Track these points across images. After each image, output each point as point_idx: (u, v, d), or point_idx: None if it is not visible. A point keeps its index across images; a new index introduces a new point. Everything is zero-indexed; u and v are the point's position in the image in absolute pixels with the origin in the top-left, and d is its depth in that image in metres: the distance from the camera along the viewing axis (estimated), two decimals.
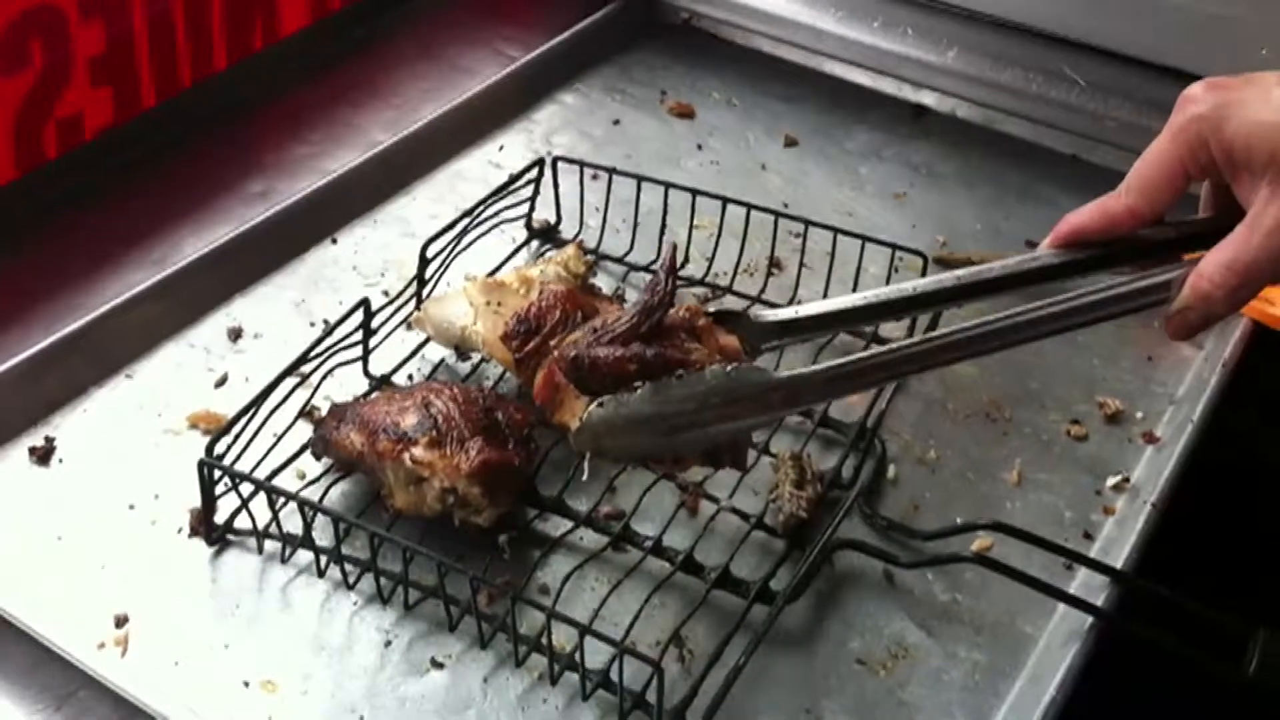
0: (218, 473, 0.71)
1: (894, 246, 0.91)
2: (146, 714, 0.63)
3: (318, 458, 0.76)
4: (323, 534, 0.72)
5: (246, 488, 0.71)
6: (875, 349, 0.66)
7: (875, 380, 0.70)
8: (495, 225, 0.93)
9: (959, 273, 0.65)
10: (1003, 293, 0.65)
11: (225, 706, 0.65)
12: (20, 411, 0.78)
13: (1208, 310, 0.59)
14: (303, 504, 0.70)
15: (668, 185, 0.94)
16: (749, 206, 0.93)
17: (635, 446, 0.64)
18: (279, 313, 0.89)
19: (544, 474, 0.77)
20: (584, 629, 0.65)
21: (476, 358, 0.85)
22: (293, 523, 0.72)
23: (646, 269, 0.95)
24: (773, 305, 0.92)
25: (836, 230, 0.92)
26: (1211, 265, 0.59)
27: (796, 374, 0.64)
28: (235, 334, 0.87)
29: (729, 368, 0.64)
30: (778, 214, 0.92)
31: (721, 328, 0.67)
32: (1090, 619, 0.72)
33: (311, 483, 0.75)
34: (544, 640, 0.67)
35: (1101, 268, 0.64)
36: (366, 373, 0.83)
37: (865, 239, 0.91)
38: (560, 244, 0.96)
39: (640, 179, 0.95)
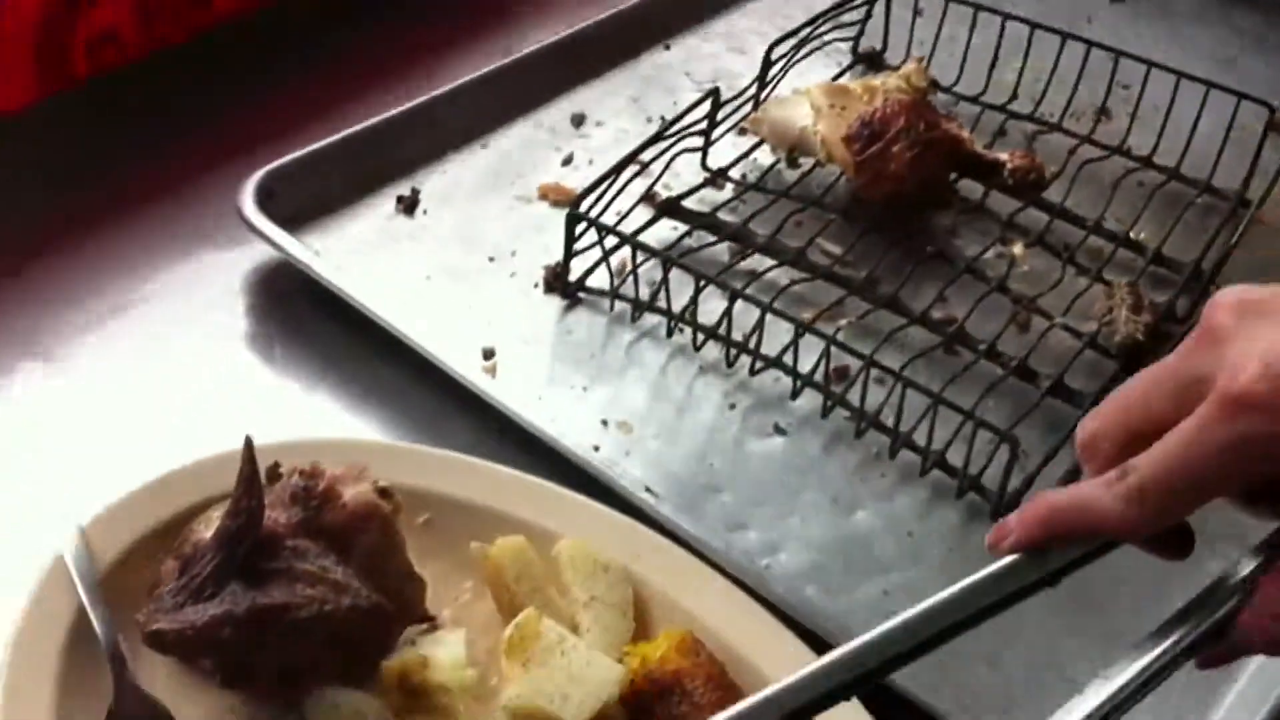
0: (581, 226, 0.74)
1: (1240, 95, 0.88)
2: (517, 428, 0.66)
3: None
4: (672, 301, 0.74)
5: (610, 241, 0.74)
6: None
7: None
8: (823, 45, 0.94)
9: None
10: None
11: (588, 436, 0.68)
12: (386, 165, 0.82)
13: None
14: (665, 259, 0.73)
15: (1005, 16, 0.93)
16: (1089, 43, 0.91)
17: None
18: (617, 105, 0.92)
19: (880, 272, 0.78)
20: (936, 397, 0.67)
21: (807, 165, 0.86)
22: (640, 290, 0.75)
23: (975, 100, 0.94)
24: (1102, 146, 0.91)
25: (1180, 74, 0.89)
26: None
27: None
28: (578, 120, 0.90)
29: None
30: (1119, 53, 0.91)
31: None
32: None
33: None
34: (883, 416, 0.69)
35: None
36: (704, 165, 0.85)
37: (1210, 84, 0.88)
38: (886, 70, 0.96)
39: (977, 7, 0.94)
